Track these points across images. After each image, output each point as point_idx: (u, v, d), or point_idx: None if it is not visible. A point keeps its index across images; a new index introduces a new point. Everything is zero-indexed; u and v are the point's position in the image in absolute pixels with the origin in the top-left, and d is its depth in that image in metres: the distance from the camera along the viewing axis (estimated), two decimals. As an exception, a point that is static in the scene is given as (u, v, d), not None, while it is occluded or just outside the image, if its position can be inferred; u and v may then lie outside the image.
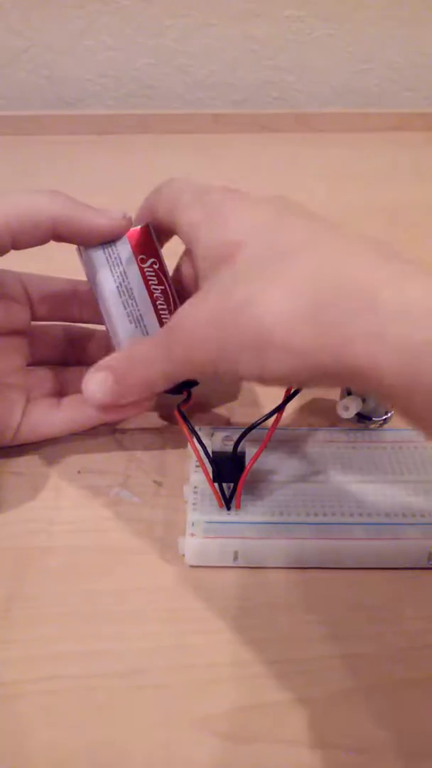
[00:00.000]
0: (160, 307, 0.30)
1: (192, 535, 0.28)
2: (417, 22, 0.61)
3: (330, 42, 0.62)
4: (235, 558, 0.27)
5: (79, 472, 0.32)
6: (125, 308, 0.30)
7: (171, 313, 0.30)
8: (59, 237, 0.29)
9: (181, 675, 0.25)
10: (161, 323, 0.30)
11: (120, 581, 0.27)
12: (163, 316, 0.30)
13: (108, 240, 0.30)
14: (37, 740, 0.23)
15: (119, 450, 0.32)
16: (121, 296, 0.30)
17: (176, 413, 0.30)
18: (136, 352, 0.28)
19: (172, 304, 0.30)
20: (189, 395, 0.31)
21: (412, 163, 0.55)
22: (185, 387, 0.30)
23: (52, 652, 0.25)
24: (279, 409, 0.28)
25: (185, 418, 0.29)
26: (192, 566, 0.28)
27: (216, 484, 0.28)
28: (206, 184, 0.28)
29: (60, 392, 0.33)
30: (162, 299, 0.30)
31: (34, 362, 0.34)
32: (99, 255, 0.30)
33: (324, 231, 0.24)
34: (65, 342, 0.35)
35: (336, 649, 0.25)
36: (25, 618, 0.26)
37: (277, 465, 0.31)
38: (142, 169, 0.53)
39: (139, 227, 0.30)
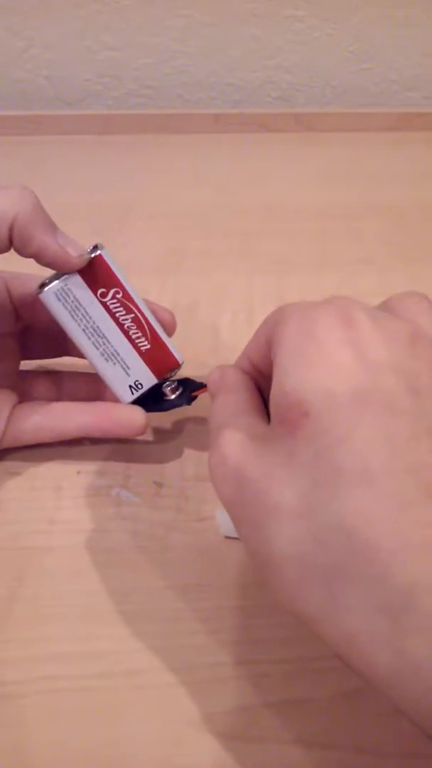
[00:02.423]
0: (134, 336, 0.29)
1: None
2: (417, 22, 0.61)
3: (330, 42, 0.61)
4: None
5: (78, 472, 0.32)
6: (97, 348, 0.29)
7: (147, 337, 0.29)
8: (11, 239, 0.26)
9: (182, 675, 0.25)
10: (139, 352, 0.29)
11: (120, 581, 0.27)
12: (140, 344, 0.29)
13: (54, 267, 0.27)
14: (37, 740, 0.23)
15: (119, 450, 0.32)
16: (89, 338, 0.29)
17: None
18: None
19: (146, 327, 0.29)
20: (195, 397, 0.31)
21: (412, 163, 0.55)
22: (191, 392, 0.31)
23: (52, 652, 0.25)
24: None
25: None
26: (227, 537, 0.28)
27: None
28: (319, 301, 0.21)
29: (54, 397, 0.33)
30: (135, 327, 0.29)
31: (28, 359, 0.33)
32: (57, 305, 0.28)
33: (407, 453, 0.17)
34: (56, 336, 0.33)
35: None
36: (25, 618, 0.26)
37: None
38: (142, 169, 0.53)
39: (89, 259, 0.28)
